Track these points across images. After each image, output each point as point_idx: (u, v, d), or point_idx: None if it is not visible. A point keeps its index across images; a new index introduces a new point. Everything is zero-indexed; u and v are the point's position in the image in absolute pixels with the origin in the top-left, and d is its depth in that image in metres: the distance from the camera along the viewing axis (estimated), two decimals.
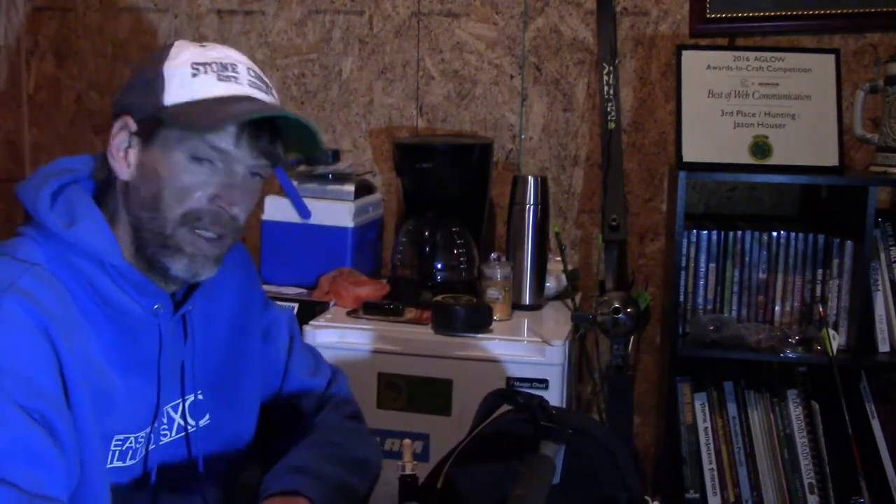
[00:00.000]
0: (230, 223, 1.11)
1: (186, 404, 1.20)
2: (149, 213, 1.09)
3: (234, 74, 1.09)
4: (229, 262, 1.23)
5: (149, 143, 1.08)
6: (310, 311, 2.10)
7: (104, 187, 1.14)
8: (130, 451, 1.13)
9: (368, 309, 2.10)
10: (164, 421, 1.17)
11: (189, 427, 1.20)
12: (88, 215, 1.08)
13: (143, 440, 1.14)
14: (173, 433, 1.19)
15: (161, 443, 1.17)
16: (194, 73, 1.07)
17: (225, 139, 1.07)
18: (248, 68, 1.12)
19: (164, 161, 1.08)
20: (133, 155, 1.10)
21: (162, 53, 1.10)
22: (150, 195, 1.08)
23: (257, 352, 1.31)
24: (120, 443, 1.11)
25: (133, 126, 1.09)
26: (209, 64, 1.08)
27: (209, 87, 1.07)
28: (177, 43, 1.11)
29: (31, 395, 0.97)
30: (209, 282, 1.18)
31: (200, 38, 2.64)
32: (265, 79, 1.14)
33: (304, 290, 2.24)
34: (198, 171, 1.08)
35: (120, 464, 1.12)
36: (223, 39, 2.62)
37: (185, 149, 1.07)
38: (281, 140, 1.13)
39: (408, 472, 1.18)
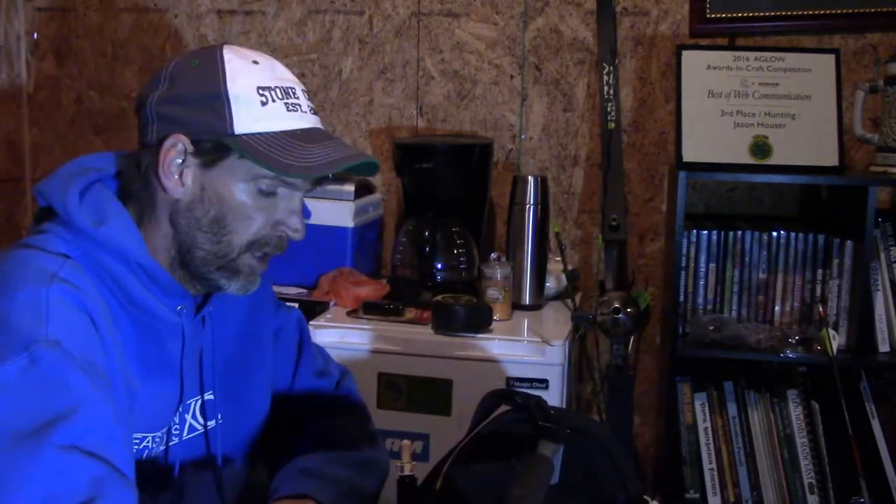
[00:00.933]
0: (288, 243, 1.15)
1: (199, 404, 1.20)
2: (210, 236, 1.09)
3: (297, 101, 1.09)
4: None
5: (210, 166, 1.07)
6: (310, 311, 2.10)
7: (135, 190, 1.12)
8: (147, 451, 1.13)
9: (368, 309, 2.10)
10: (177, 420, 1.17)
11: (201, 427, 1.20)
12: (118, 215, 1.08)
13: (159, 440, 1.15)
14: (185, 433, 1.19)
15: (174, 443, 1.17)
16: (263, 102, 1.06)
17: (299, 178, 1.09)
18: (303, 90, 1.12)
19: (228, 187, 1.07)
20: (189, 176, 1.08)
21: (215, 69, 1.07)
22: (210, 219, 1.08)
23: (268, 353, 1.31)
24: (137, 441, 1.11)
25: (189, 146, 1.06)
26: (273, 89, 1.08)
27: (280, 119, 1.07)
28: (226, 55, 1.08)
29: (93, 374, 0.98)
30: None
31: (200, 39, 2.65)
32: (307, 92, 1.15)
33: (304, 290, 2.24)
34: (263, 200, 1.09)
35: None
36: (223, 39, 2.62)
37: (255, 180, 1.07)
38: None
39: (406, 472, 1.18)
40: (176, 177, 1.07)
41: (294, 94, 1.10)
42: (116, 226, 1.06)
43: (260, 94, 1.06)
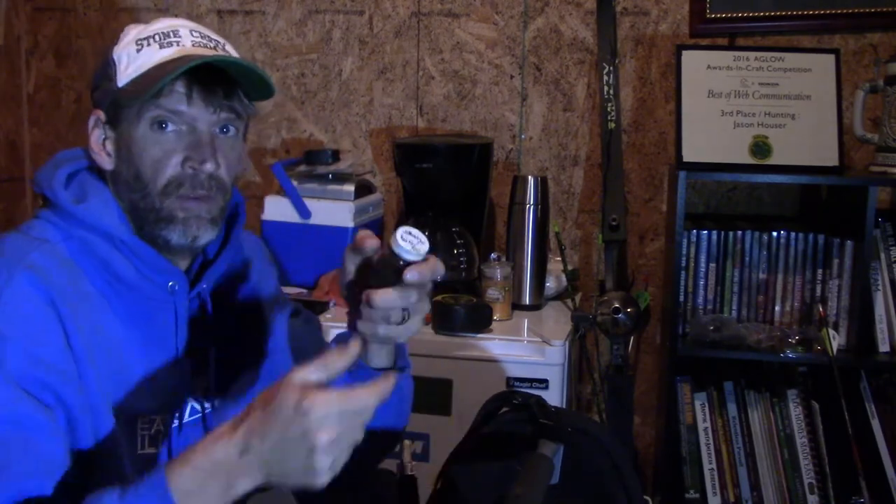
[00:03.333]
0: (210, 182, 1.12)
1: (201, 388, 1.20)
2: (137, 194, 1.11)
3: (175, 39, 1.12)
4: (243, 250, 1.28)
5: (117, 127, 1.12)
6: (310, 311, 2.10)
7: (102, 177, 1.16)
8: (151, 433, 1.13)
9: None
10: (181, 403, 1.17)
11: (205, 409, 1.20)
12: (98, 193, 1.12)
13: (166, 422, 1.15)
14: (186, 416, 1.18)
15: (175, 425, 1.17)
16: (139, 49, 1.11)
17: (176, 99, 1.09)
18: (192, 30, 1.14)
19: (132, 139, 1.11)
20: (110, 144, 1.13)
21: (113, 43, 1.14)
22: (132, 176, 1.11)
23: (277, 343, 1.33)
24: (147, 426, 1.11)
25: (102, 116, 1.13)
26: (151, 36, 1.12)
27: (152, 56, 1.10)
28: (126, 27, 1.15)
29: (32, 363, 0.99)
30: (223, 265, 1.21)
31: None
32: (214, 36, 1.16)
33: (304, 290, 2.24)
34: (163, 140, 1.10)
35: (152, 450, 1.12)
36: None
37: (145, 121, 1.10)
38: (241, 91, 1.15)
39: (407, 472, 1.18)
40: (101, 149, 1.13)
41: (176, 34, 1.12)
42: (96, 202, 1.10)
43: (137, 44, 1.11)
